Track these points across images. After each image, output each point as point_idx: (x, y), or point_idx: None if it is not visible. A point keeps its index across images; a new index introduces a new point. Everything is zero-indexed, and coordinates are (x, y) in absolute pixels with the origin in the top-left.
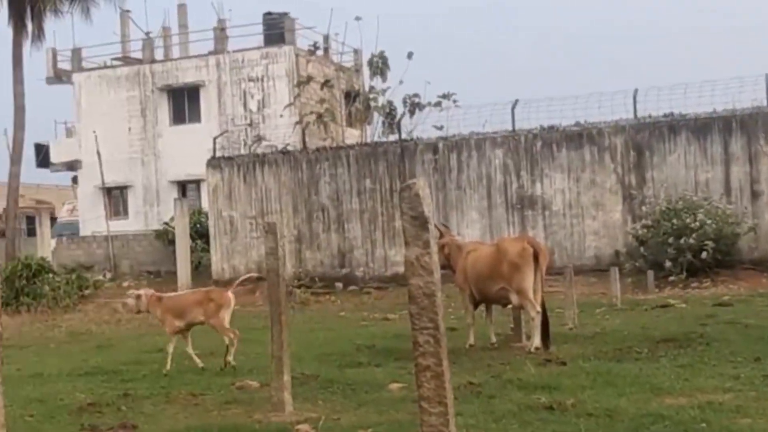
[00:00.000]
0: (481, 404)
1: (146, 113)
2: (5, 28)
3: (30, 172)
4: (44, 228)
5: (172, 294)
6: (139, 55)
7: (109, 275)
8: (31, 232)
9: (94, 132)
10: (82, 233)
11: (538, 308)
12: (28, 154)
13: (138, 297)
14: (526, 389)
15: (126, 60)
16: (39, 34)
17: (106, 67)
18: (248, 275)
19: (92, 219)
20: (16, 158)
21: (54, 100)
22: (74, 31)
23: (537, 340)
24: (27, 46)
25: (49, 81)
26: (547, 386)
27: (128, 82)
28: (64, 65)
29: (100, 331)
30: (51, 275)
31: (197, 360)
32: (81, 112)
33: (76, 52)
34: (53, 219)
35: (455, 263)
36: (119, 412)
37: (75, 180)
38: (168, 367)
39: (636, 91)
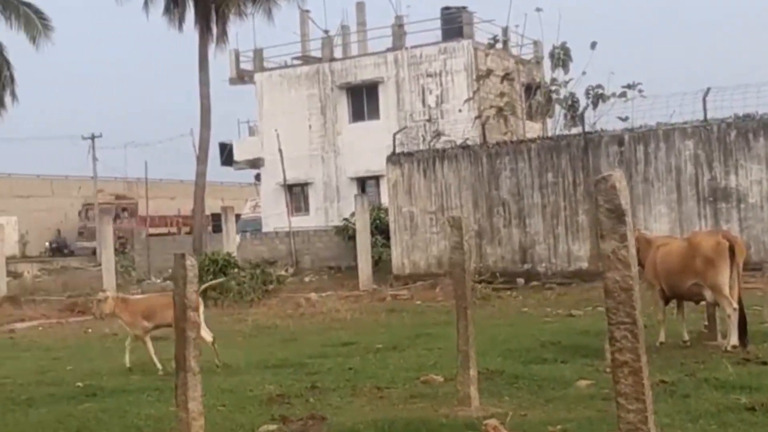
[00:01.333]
0: (675, 403)
1: (326, 111)
2: (191, 31)
3: (215, 171)
4: (229, 224)
5: (139, 297)
6: (318, 53)
7: (291, 270)
8: (216, 229)
9: (276, 130)
10: (264, 229)
11: (735, 305)
12: (213, 153)
13: (102, 300)
14: (724, 389)
15: (306, 59)
16: (223, 37)
17: (286, 66)
18: (218, 281)
19: (274, 215)
20: (202, 157)
21: (237, 100)
22: (255, 32)
23: (734, 338)
24: (211, 48)
25: (232, 82)
26: (746, 386)
27: (308, 80)
28: (247, 66)
29: (285, 325)
30: (236, 270)
31: (158, 364)
32: (263, 111)
33: (258, 53)
34: (237, 216)
35: (644, 258)
36: (307, 404)
37: (258, 177)
38: (159, 367)
39: None
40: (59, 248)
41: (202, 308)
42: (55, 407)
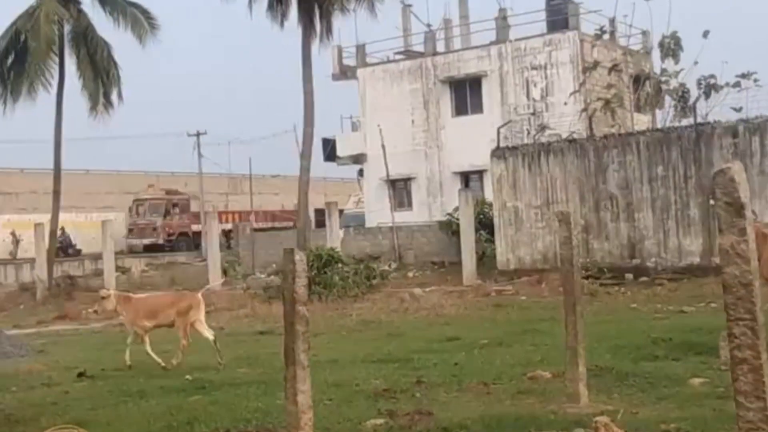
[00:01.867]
0: None
1: (429, 105)
2: (294, 28)
3: (318, 166)
4: (333, 220)
5: (142, 296)
6: (420, 48)
7: (394, 265)
8: (319, 224)
9: (379, 125)
10: (367, 224)
11: None
12: (316, 148)
13: (105, 297)
14: None
15: (408, 53)
16: (326, 33)
17: (389, 61)
18: (219, 282)
19: (377, 210)
20: (305, 153)
21: (340, 96)
22: (357, 28)
23: None
24: (315, 44)
25: (335, 77)
26: None
27: (411, 75)
28: (349, 61)
29: (389, 320)
30: (340, 265)
31: (158, 359)
32: (365, 106)
33: (360, 48)
34: (340, 211)
35: (760, 253)
36: (413, 399)
37: (361, 173)
38: (160, 363)
39: None
40: (63, 248)
41: (203, 307)
42: (166, 399)
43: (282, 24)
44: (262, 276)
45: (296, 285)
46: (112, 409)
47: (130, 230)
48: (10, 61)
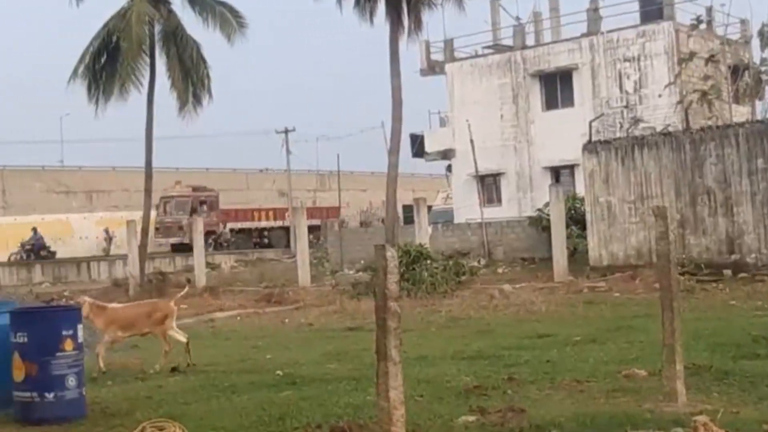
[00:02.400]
0: None
1: (518, 100)
2: (382, 24)
3: (406, 162)
4: (422, 216)
5: (117, 306)
6: (510, 41)
7: (483, 262)
8: (407, 220)
9: (467, 120)
10: (456, 220)
11: None
12: (404, 144)
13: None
14: None
15: (497, 47)
16: (414, 28)
17: (477, 56)
18: (184, 291)
19: (466, 206)
20: (394, 149)
21: (427, 91)
22: (445, 23)
23: None
24: (403, 40)
25: (423, 73)
26: None
27: (499, 69)
28: (437, 56)
29: (479, 317)
30: (429, 262)
31: (101, 364)
32: (454, 101)
33: (448, 43)
34: (429, 207)
35: None
36: (505, 396)
37: (449, 168)
38: (102, 367)
39: None
40: (33, 250)
41: (175, 315)
42: (257, 394)
43: (370, 20)
44: (350, 272)
45: (388, 281)
46: (204, 404)
47: (157, 229)
48: (102, 61)
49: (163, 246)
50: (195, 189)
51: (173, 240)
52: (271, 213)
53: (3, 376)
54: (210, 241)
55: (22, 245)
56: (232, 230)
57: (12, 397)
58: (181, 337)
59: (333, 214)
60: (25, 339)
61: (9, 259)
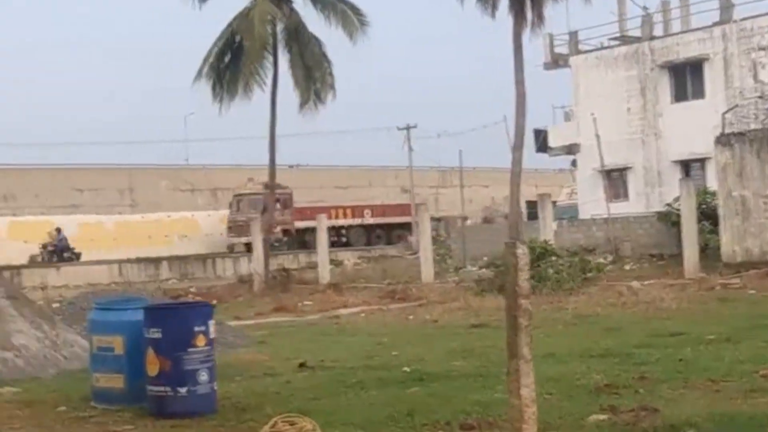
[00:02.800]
0: None
1: (645, 92)
2: (505, 17)
3: (529, 157)
4: (546, 212)
5: None
6: (637, 32)
7: (610, 258)
8: (531, 216)
9: (592, 114)
10: (581, 216)
11: None
12: (528, 139)
13: None
14: None
15: (624, 39)
16: (538, 21)
17: (603, 48)
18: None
19: (591, 202)
20: (517, 144)
21: (551, 85)
22: (569, 15)
23: None
24: (526, 33)
25: (547, 66)
26: None
27: (626, 61)
28: (561, 49)
29: (606, 314)
30: (554, 258)
31: None
32: (578, 95)
33: (573, 35)
34: (553, 203)
35: None
36: (636, 395)
37: (574, 163)
38: None
39: None
40: (56, 251)
41: None
42: (385, 390)
43: (492, 13)
44: (474, 269)
45: (519, 278)
46: (333, 399)
47: (229, 228)
48: (226, 60)
49: (238, 245)
50: (267, 186)
51: (244, 239)
52: (349, 211)
53: (137, 370)
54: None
55: (44, 246)
56: (307, 229)
57: (146, 391)
58: None
59: (409, 211)
60: (159, 335)
61: (29, 260)
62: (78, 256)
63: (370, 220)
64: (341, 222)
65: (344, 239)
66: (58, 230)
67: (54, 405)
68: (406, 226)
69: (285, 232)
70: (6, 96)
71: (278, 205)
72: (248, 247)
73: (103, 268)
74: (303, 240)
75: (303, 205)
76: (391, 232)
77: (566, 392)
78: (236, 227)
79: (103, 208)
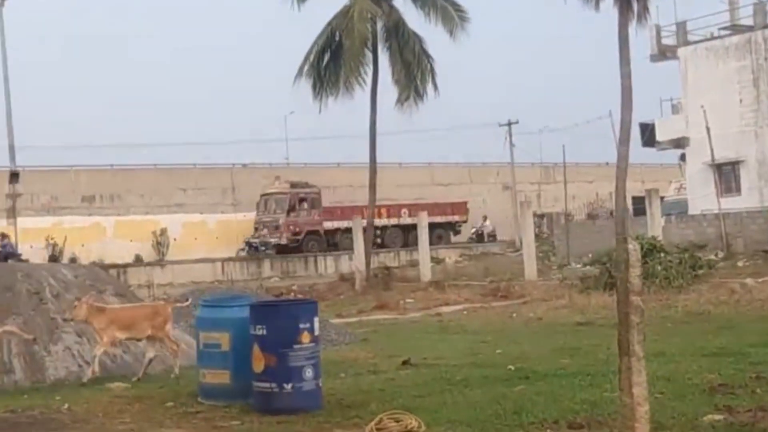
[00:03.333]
0: None
1: (759, 83)
2: (609, 10)
3: (635, 152)
4: (654, 207)
5: (116, 306)
6: (749, 21)
7: (721, 255)
8: (637, 212)
9: (702, 107)
10: (690, 212)
11: None
12: (633, 133)
13: (78, 306)
14: None
15: (735, 28)
16: (644, 13)
17: (713, 38)
18: (186, 303)
19: (701, 197)
20: (623, 139)
21: (657, 78)
22: (676, 5)
23: None
24: (632, 25)
25: (653, 58)
26: None
27: (737, 51)
28: (668, 41)
29: (718, 312)
30: (662, 255)
31: (96, 368)
32: (687, 87)
33: (681, 26)
34: (661, 198)
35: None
36: (753, 395)
37: (682, 158)
38: (92, 374)
39: None
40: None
41: (170, 322)
42: (490, 388)
43: (596, 6)
44: (578, 266)
45: (630, 275)
46: (437, 397)
47: (256, 228)
48: (326, 59)
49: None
50: (294, 185)
51: (272, 239)
52: (384, 210)
53: (244, 367)
54: (312, 242)
55: None
56: (337, 230)
57: (251, 388)
58: (153, 353)
59: (460, 210)
60: (264, 331)
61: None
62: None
63: (407, 219)
64: (376, 222)
65: (379, 240)
66: (2, 235)
67: (162, 401)
68: (448, 226)
69: (312, 233)
70: (116, 100)
71: (305, 205)
72: (277, 248)
73: (206, 266)
74: (333, 241)
75: (332, 205)
76: (432, 232)
77: (678, 392)
78: (262, 228)
79: (206, 207)
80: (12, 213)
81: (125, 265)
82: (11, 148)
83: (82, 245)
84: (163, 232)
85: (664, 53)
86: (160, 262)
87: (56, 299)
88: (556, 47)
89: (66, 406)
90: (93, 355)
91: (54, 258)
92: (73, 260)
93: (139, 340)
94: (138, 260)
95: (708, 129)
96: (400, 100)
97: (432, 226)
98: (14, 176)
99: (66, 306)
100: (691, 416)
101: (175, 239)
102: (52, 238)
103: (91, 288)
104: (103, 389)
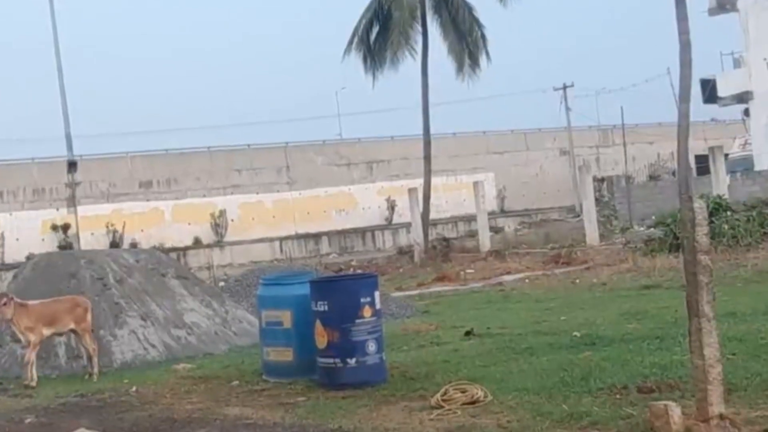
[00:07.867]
0: None
1: None
2: None
3: (696, 109)
4: (718, 165)
5: (37, 303)
6: None
7: None
8: (701, 171)
9: (765, 59)
10: (756, 168)
11: None
12: (694, 90)
13: (5, 304)
14: None
15: None
16: None
17: None
18: None
19: (767, 152)
20: (684, 96)
21: (717, 32)
22: None
23: None
24: None
25: (712, 12)
26: None
27: None
28: None
29: None
30: (729, 213)
31: (34, 377)
32: (749, 40)
33: None
34: (725, 155)
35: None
36: None
37: (746, 113)
38: (31, 379)
39: None
40: None
41: (90, 314)
42: (556, 355)
43: None
44: (641, 229)
45: (697, 234)
46: (503, 366)
47: None
48: (375, 32)
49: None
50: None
51: None
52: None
53: (306, 343)
54: None
55: None
56: None
57: (315, 364)
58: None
59: None
60: (326, 307)
61: None
62: None
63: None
64: None
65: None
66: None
67: (228, 379)
68: None
69: None
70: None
71: None
72: None
73: (264, 245)
74: None
75: None
76: None
77: (751, 352)
78: None
79: (261, 186)
80: (72, 202)
81: (185, 248)
82: (68, 138)
83: (142, 230)
84: (221, 213)
85: (723, 6)
86: (219, 244)
87: (119, 284)
88: (609, 5)
89: (134, 388)
90: (26, 361)
91: (115, 244)
92: (133, 245)
93: (61, 335)
94: (197, 243)
95: None
96: (457, 69)
97: None
98: (72, 165)
99: (129, 290)
100: (766, 376)
101: (232, 220)
102: (112, 225)
103: (153, 272)
104: (169, 371)
